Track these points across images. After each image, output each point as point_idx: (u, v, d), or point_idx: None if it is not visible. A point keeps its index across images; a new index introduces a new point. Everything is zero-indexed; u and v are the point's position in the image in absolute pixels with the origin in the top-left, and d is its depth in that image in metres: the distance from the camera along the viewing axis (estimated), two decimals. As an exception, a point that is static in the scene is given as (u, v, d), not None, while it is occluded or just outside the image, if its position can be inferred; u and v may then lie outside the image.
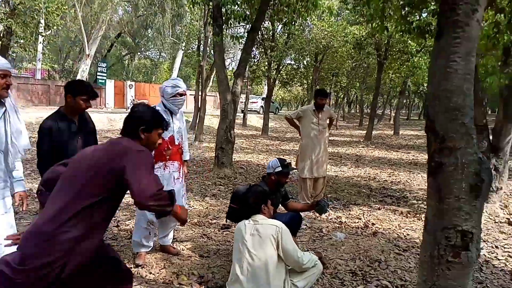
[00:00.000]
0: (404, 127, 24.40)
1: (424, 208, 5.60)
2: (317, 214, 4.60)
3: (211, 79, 18.76)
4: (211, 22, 7.94)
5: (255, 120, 24.76)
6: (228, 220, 3.88)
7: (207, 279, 3.14)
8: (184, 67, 37.23)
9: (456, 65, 1.97)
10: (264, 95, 30.20)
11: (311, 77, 22.08)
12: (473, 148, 1.97)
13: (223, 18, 7.78)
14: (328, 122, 5.79)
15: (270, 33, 17.31)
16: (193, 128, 15.71)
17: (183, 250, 3.74)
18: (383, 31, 7.65)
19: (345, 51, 20.65)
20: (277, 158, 3.57)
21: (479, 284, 3.31)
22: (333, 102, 36.85)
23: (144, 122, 2.04)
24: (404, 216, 5.25)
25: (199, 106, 14.14)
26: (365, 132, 17.68)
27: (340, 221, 4.89)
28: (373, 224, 4.83)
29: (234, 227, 4.27)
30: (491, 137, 5.63)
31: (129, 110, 2.19)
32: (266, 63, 18.08)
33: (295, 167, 5.82)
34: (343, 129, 24.62)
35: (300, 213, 3.78)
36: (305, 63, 21.97)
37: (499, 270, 3.61)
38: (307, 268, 2.79)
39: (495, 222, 5.05)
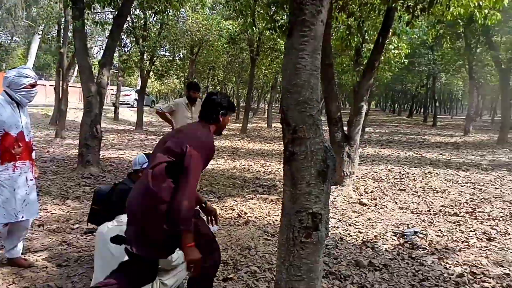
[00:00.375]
0: (276, 121, 25.97)
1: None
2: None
3: (75, 68, 17.08)
4: (71, 5, 7.17)
5: (128, 114, 23.47)
6: (89, 223, 3.60)
7: (66, 289, 2.86)
8: (42, 54, 33.10)
9: (304, 62, 2.15)
10: (138, 88, 28.84)
11: (187, 70, 21.85)
12: (320, 138, 2.17)
13: (84, 1, 7.12)
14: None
15: (142, 21, 16.53)
16: (54, 123, 14.12)
17: (37, 261, 3.33)
18: (252, 28, 7.96)
19: (220, 45, 20.99)
20: (144, 153, 3.41)
21: (335, 259, 3.71)
22: (210, 96, 37.24)
23: (223, 107, 2.43)
24: (273, 204, 5.59)
25: (60, 98, 12.74)
26: (241, 125, 18.30)
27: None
28: (245, 213, 5.03)
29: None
30: (345, 128, 6.37)
31: None
32: (139, 54, 17.23)
33: None
34: (220, 122, 25.00)
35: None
36: (181, 55, 21.64)
37: (352, 245, 4.11)
38: (177, 264, 2.74)
39: (349, 203, 5.74)
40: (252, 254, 3.67)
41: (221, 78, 29.42)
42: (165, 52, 21.97)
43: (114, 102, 21.08)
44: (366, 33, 10.21)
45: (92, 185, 6.21)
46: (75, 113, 18.30)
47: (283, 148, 2.27)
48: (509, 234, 4.40)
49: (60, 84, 13.03)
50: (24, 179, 3.08)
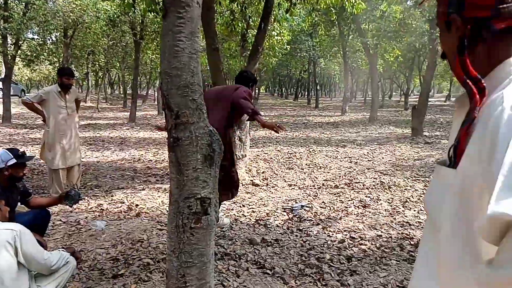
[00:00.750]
0: (167, 107, 25.24)
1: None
2: (72, 206, 4.18)
3: None
4: None
5: (-7, 106, 20.36)
6: None
7: None
8: None
9: (183, 44, 2.07)
10: (3, 75, 25.11)
11: (62, 55, 19.74)
12: (204, 122, 2.14)
13: None
14: (75, 106, 5.22)
15: (1, 0, 14.35)
16: None
17: None
18: (131, 9, 7.51)
19: (99, 27, 19.40)
20: (6, 148, 2.98)
21: (230, 240, 3.78)
22: (93, 83, 34.48)
23: (252, 80, 3.92)
24: (167, 192, 5.43)
25: None
26: (129, 113, 17.34)
27: (101, 209, 4.63)
28: (137, 205, 4.80)
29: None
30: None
31: None
32: (0, 37, 14.95)
33: (39, 157, 5.09)
34: (106, 112, 23.35)
35: (47, 208, 3.33)
36: (53, 38, 19.46)
37: (245, 225, 4.24)
38: (57, 268, 2.49)
39: (242, 185, 5.88)
40: (144, 246, 3.54)
41: (103, 63, 27.33)
42: (34, 35, 19.52)
43: (-27, 92, 18.04)
44: (250, 19, 10.45)
45: None
46: None
47: (167, 134, 2.19)
48: (380, 200, 5.03)
49: None
50: None
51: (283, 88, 55.22)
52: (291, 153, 8.54)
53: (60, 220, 4.12)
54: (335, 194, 5.37)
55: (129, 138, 11.43)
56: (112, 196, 5.21)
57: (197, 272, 2.10)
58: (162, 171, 6.89)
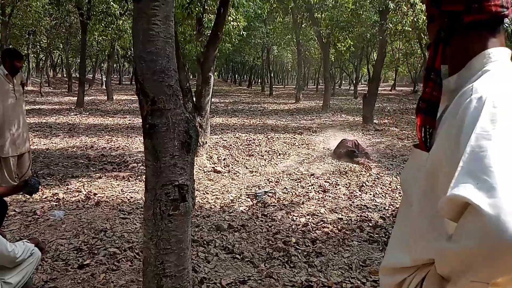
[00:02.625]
0: (117, 92, 24.29)
1: (144, 170, 5.87)
2: (27, 196, 3.97)
3: None
4: None
5: None
6: None
7: None
8: None
9: (158, 28, 2.03)
10: None
11: (0, 35, 18.22)
12: (181, 108, 2.12)
13: None
14: (21, 89, 4.90)
15: None
16: None
17: None
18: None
19: (40, 6, 18.12)
20: None
21: (197, 227, 3.78)
22: (34, 66, 32.24)
23: None
24: (126, 180, 5.30)
25: None
26: (76, 98, 16.46)
27: (57, 198, 4.42)
28: (95, 194, 4.63)
29: None
30: (194, 99, 6.38)
31: None
32: None
33: None
34: (50, 96, 21.97)
35: (3, 198, 3.12)
36: (-11, 16, 17.86)
37: (211, 212, 4.24)
38: (22, 260, 2.37)
39: (204, 172, 5.87)
40: (108, 235, 3.44)
41: (45, 44, 25.60)
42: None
43: None
44: (206, 3, 10.26)
45: None
46: None
47: (141, 121, 2.14)
48: (339, 185, 5.25)
49: None
50: None
51: (236, 75, 55.06)
52: (250, 140, 8.60)
53: (15, 211, 3.88)
54: (295, 180, 5.52)
55: (78, 124, 10.88)
56: (67, 185, 4.98)
57: (175, 258, 2.10)
58: (118, 159, 6.68)
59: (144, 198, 4.03)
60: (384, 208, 4.43)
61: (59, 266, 2.87)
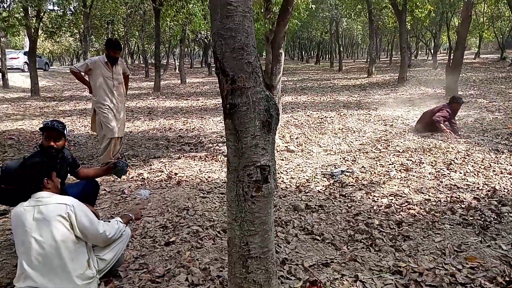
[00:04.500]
0: (189, 76, 25.17)
1: (219, 150, 5.98)
2: (116, 177, 4.24)
3: None
4: None
5: (19, 80, 20.73)
6: (1, 205, 3.14)
7: (-14, 282, 2.48)
8: None
9: (236, 3, 1.93)
10: (27, 49, 25.34)
11: (82, 26, 19.67)
12: (261, 86, 2.03)
13: None
14: (122, 78, 5.15)
15: (20, -29, 14.18)
16: None
17: None
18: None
19: (117, -4, 19.16)
20: (54, 120, 2.98)
21: (274, 207, 3.75)
22: (114, 54, 34.51)
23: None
24: (203, 160, 5.44)
25: None
26: (153, 83, 17.33)
27: (142, 178, 4.67)
28: (176, 174, 4.82)
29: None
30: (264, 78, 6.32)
31: None
32: (21, 9, 14.93)
33: (91, 130, 5.15)
34: (129, 82, 23.48)
35: (96, 179, 3.36)
36: (72, 9, 19.31)
37: (287, 191, 4.19)
38: (114, 239, 2.51)
39: (277, 151, 5.82)
40: (190, 214, 3.55)
41: (122, 33, 27.17)
42: (54, 6, 19.44)
43: (0, 67, 18.27)
44: (274, -22, 10.00)
45: (-9, 163, 5.41)
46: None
47: (219, 102, 2.10)
48: (423, 163, 4.88)
49: None
50: None
51: (303, 51, 53.89)
52: (321, 118, 8.36)
53: (105, 190, 4.18)
54: (374, 159, 5.24)
55: (156, 107, 11.44)
56: (150, 165, 5.24)
57: (259, 240, 2.06)
58: (194, 140, 6.89)
59: (226, 179, 4.03)
60: (478, 188, 4.02)
61: (147, 243, 3.02)
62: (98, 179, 3.52)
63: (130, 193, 4.11)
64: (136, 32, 27.72)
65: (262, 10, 12.47)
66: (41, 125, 2.92)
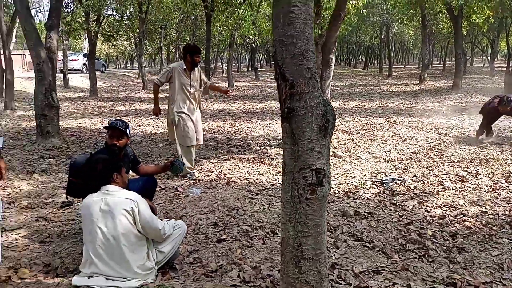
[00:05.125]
0: (236, 79, 25.60)
1: (267, 153, 6.07)
2: (169, 174, 4.45)
3: (14, 33, 15.60)
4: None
5: (79, 81, 22.11)
6: (68, 196, 3.40)
7: (55, 266, 2.70)
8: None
9: (298, 10, 2.00)
10: (86, 52, 26.98)
11: (137, 30, 20.66)
12: (319, 91, 2.08)
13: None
14: (199, 85, 4.97)
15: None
16: (0, 95, 13.07)
17: (16, 239, 3.12)
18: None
19: (171, 1, 19.90)
20: (117, 119, 3.20)
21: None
22: (165, 57, 35.82)
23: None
24: (251, 163, 5.55)
25: (3, 67, 11.67)
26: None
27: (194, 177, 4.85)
28: (225, 174, 4.96)
29: (78, 202, 3.80)
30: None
31: None
32: (83, 14, 15.97)
33: (169, 138, 5.02)
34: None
35: (154, 176, 3.55)
36: (129, 14, 20.34)
37: (335, 197, 4.19)
38: (168, 235, 2.66)
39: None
40: (240, 214, 3.65)
41: (174, 37, 28.15)
42: (112, 11, 20.57)
43: (62, 68, 19.61)
44: (326, -16, 9.99)
45: (57, 157, 5.86)
46: (21, 82, 16.97)
47: (279, 104, 2.17)
48: (480, 174, 4.68)
49: (1, 52, 11.90)
50: None
51: (351, 56, 52.96)
52: (370, 124, 8.22)
53: (160, 187, 4.39)
54: (426, 168, 5.09)
55: (206, 110, 11.76)
56: (201, 165, 5.43)
57: (313, 242, 2.11)
58: (242, 142, 7.03)
59: (269, 180, 4.13)
60: (541, 203, 3.80)
61: (200, 239, 3.15)
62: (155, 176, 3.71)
63: (183, 191, 4.30)
64: (187, 36, 28.59)
65: (313, 15, 12.48)
66: (106, 124, 3.15)
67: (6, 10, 12.68)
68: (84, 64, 25.50)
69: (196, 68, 4.85)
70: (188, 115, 4.80)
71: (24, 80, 17.60)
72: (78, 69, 26.15)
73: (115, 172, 2.53)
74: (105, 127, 3.16)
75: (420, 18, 19.64)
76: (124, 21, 19.87)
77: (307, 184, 2.09)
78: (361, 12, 12.74)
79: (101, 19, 16.93)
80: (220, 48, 32.27)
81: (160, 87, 4.97)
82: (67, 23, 16.12)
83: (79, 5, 15.68)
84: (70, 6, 16.79)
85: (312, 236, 2.11)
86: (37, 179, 4.81)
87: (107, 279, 2.41)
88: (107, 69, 32.27)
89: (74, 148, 6.50)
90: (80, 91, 19.03)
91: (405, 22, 25.64)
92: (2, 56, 11.72)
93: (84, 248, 2.50)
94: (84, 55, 25.89)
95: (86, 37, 20.80)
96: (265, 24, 19.41)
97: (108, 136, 3.18)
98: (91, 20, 16.26)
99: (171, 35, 27.15)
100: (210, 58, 35.96)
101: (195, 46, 4.89)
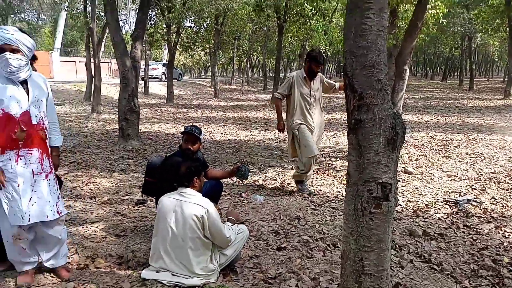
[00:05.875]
0: (304, 89, 25.54)
1: (332, 164, 5.99)
2: (237, 179, 4.58)
3: (103, 43, 17.18)
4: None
5: (157, 88, 23.67)
6: (143, 195, 3.66)
7: (127, 258, 2.93)
8: (69, 31, 33.55)
9: (371, 22, 1.99)
10: (165, 61, 28.80)
11: (213, 41, 21.63)
12: (388, 104, 2.04)
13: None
14: (319, 92, 4.55)
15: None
16: (88, 99, 14.49)
17: (95, 231, 3.43)
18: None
19: (245, 13, 20.55)
20: (192, 125, 3.40)
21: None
22: (237, 67, 36.99)
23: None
24: (315, 174, 5.52)
25: (93, 74, 12.91)
26: (270, 95, 18.10)
27: (258, 185, 4.95)
28: (288, 184, 4.99)
29: (151, 201, 4.07)
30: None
31: None
32: (165, 26, 17.12)
33: (290, 157, 4.75)
34: (248, 94, 24.90)
35: (220, 180, 3.69)
36: (206, 26, 21.38)
37: (403, 215, 4.01)
38: (233, 242, 2.75)
39: (392, 171, 5.58)
40: (301, 224, 3.65)
41: (246, 48, 28.97)
42: (191, 24, 21.77)
43: (143, 76, 21.17)
44: (403, -7, 9.65)
45: (135, 158, 6.33)
46: (106, 88, 18.60)
47: (347, 116, 2.16)
48: None
49: (92, 60, 13.18)
50: (30, 172, 2.40)
51: (428, 68, 50.20)
52: (446, 140, 7.73)
53: (225, 191, 4.54)
54: (507, 190, 4.66)
55: (272, 119, 11.92)
56: (265, 173, 5.52)
57: (375, 258, 2.05)
58: (307, 152, 6.99)
59: (332, 192, 4.05)
60: None
61: (261, 245, 3.21)
62: (222, 180, 3.86)
63: (247, 197, 4.40)
64: (259, 47, 29.29)
65: (387, 25, 12.11)
66: (181, 129, 3.36)
67: (97, 22, 14.03)
68: (163, 72, 27.25)
69: (317, 77, 4.45)
70: (306, 126, 4.42)
71: (109, 86, 19.25)
72: (157, 78, 28.03)
73: (196, 176, 2.67)
74: (181, 132, 3.37)
75: (507, 29, 18.07)
76: (201, 33, 20.95)
77: (372, 198, 2.05)
78: (440, 21, 12.12)
79: (180, 30, 18.00)
80: (290, 59, 32.56)
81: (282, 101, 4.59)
82: (150, 34, 17.42)
83: (161, 18, 16.86)
84: (154, 18, 18.13)
85: (374, 252, 2.06)
86: (116, 177, 5.24)
87: (173, 275, 2.56)
88: (183, 77, 34.11)
89: (151, 150, 6.97)
90: (158, 98, 20.35)
91: (490, 32, 23.79)
92: (92, 64, 12.97)
93: (153, 243, 2.67)
94: (163, 64, 27.66)
95: (166, 47, 22.23)
96: (337, 35, 19.31)
97: (183, 141, 3.37)
98: (171, 31, 17.36)
99: (243, 46, 27.98)
100: (280, 68, 36.49)
101: (314, 52, 4.41)
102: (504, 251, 3.16)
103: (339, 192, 4.62)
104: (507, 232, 3.52)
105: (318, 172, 5.61)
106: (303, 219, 3.74)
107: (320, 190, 4.75)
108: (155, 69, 28.92)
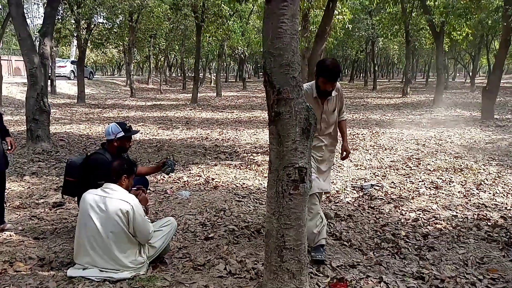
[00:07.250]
0: (224, 89, 25.88)
1: (253, 160, 6.28)
2: (161, 177, 4.61)
3: (1, 39, 15.59)
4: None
5: (66, 87, 22.05)
6: (64, 196, 3.54)
7: (50, 260, 2.85)
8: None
9: (285, 26, 2.25)
10: (73, 58, 26.92)
11: (127, 38, 20.82)
12: (302, 98, 2.32)
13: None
14: (334, 115, 3.27)
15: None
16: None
17: (10, 236, 3.24)
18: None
19: (162, 11, 20.15)
20: (116, 122, 3.35)
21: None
22: (153, 66, 35.94)
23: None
24: (238, 168, 5.75)
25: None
26: (190, 95, 18.02)
27: (183, 181, 5.03)
28: (212, 179, 5.15)
29: (69, 203, 3.93)
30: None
31: None
32: (73, 21, 16.08)
33: None
34: (167, 93, 24.40)
35: (146, 176, 3.72)
36: (119, 22, 20.51)
37: (346, 202, 4.37)
38: (159, 229, 2.82)
39: (307, 163, 6.05)
40: (227, 215, 3.83)
41: (163, 46, 28.35)
42: (103, 20, 20.71)
43: (50, 74, 19.55)
44: (312, -1, 10.38)
45: (47, 160, 5.96)
46: (7, 88, 16.88)
47: (267, 109, 2.39)
48: (453, 182, 4.97)
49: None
50: None
51: (338, 70, 53.78)
52: (353, 134, 8.53)
53: (149, 189, 4.54)
54: (404, 175, 5.37)
55: (194, 118, 11.96)
56: (189, 170, 5.61)
57: (294, 233, 2.32)
58: (229, 149, 7.23)
59: (255, 185, 4.29)
60: (506, 208, 4.09)
61: (189, 237, 3.33)
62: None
63: (172, 193, 4.47)
64: (176, 46, 28.84)
65: (300, 29, 12.87)
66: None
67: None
68: (72, 71, 25.45)
69: (331, 96, 3.14)
70: (313, 156, 3.16)
71: (10, 86, 17.51)
72: (65, 76, 26.04)
73: (125, 174, 2.68)
74: (125, 134, 3.25)
75: (404, 34, 20.29)
76: (114, 30, 20.03)
77: (291, 181, 2.31)
78: (346, 26, 13.24)
79: (91, 26, 17.05)
80: (209, 58, 32.59)
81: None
82: (57, 30, 16.19)
83: (69, 13, 15.79)
84: (61, 13, 16.90)
85: (293, 228, 2.33)
86: (28, 181, 4.92)
87: (101, 270, 2.56)
88: (94, 76, 32.18)
89: (64, 152, 6.60)
90: (67, 97, 19.01)
91: (389, 37, 26.43)
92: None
93: (76, 239, 2.64)
94: (72, 62, 25.85)
95: (75, 44, 20.84)
96: (254, 36, 19.93)
97: (125, 140, 3.30)
98: (81, 27, 16.36)
99: (160, 44, 27.33)
100: (199, 68, 36.33)
101: (328, 64, 2.99)
102: (401, 226, 3.68)
103: (261, 184, 4.91)
104: (404, 211, 4.09)
105: (241, 167, 5.86)
106: (228, 211, 3.93)
107: (244, 184, 4.98)
108: (63, 67, 26.78)
